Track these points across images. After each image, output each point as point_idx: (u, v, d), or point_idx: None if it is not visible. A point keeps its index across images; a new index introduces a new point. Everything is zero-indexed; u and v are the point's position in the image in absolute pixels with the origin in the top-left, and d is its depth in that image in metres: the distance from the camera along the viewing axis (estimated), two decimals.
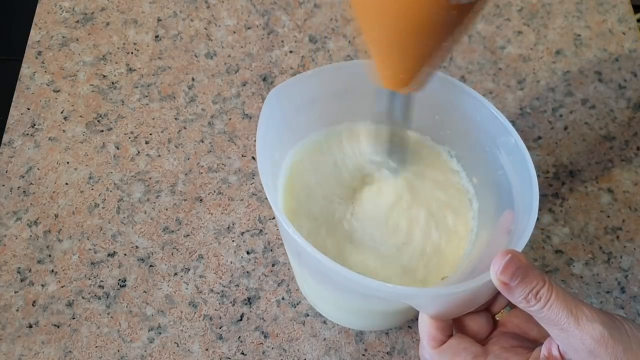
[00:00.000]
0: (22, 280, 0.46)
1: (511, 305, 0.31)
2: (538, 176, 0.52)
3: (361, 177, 0.42)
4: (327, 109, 0.41)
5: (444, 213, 0.41)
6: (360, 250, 0.39)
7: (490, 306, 0.35)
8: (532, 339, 0.34)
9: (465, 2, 0.27)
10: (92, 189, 0.50)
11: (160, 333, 0.45)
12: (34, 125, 0.52)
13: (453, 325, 0.34)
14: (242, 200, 0.50)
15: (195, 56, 0.56)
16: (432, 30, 0.28)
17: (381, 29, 0.29)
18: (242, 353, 0.44)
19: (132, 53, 0.56)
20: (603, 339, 0.27)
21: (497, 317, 0.35)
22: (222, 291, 0.46)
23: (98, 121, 0.52)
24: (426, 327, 0.33)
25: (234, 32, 0.57)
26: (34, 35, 0.56)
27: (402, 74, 0.32)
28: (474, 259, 0.37)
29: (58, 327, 0.45)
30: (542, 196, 0.51)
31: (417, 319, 0.35)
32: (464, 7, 0.27)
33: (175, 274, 0.47)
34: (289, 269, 0.47)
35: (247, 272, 0.47)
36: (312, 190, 0.41)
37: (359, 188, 0.41)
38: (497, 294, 0.32)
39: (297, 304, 0.46)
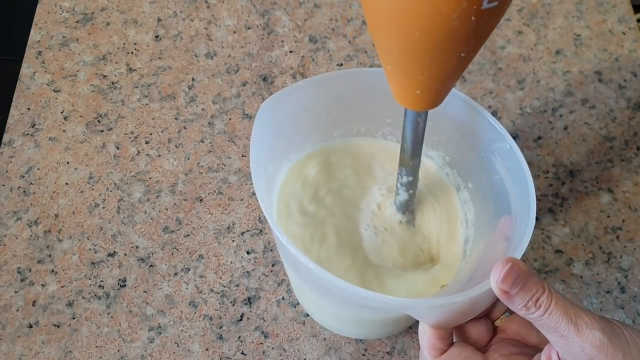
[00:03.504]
0: (22, 280, 0.46)
1: (510, 311, 0.31)
2: (538, 176, 0.52)
3: (358, 190, 0.42)
4: (321, 119, 0.41)
5: (441, 220, 0.41)
6: (354, 260, 0.39)
7: (489, 312, 0.35)
8: (531, 345, 0.34)
9: (492, 5, 0.25)
10: (92, 189, 0.50)
11: (160, 333, 0.45)
12: (34, 125, 0.52)
13: (453, 333, 0.34)
14: (242, 200, 0.50)
15: (195, 56, 0.56)
16: (458, 40, 0.26)
17: (399, 41, 0.27)
18: (242, 353, 0.44)
19: (132, 53, 0.56)
20: (603, 346, 0.27)
21: (497, 324, 0.35)
22: (222, 291, 0.46)
23: (98, 121, 0.52)
24: (426, 336, 0.33)
25: (234, 32, 0.57)
26: (34, 35, 0.56)
27: (420, 89, 0.30)
28: (472, 266, 0.36)
29: (58, 327, 0.45)
30: (542, 196, 0.51)
31: (417, 322, 0.35)
32: (491, 11, 0.25)
33: (175, 274, 0.47)
34: None
35: (247, 272, 0.47)
36: (306, 201, 0.41)
37: (354, 199, 0.41)
38: (497, 300, 0.32)
39: (297, 304, 0.46)
